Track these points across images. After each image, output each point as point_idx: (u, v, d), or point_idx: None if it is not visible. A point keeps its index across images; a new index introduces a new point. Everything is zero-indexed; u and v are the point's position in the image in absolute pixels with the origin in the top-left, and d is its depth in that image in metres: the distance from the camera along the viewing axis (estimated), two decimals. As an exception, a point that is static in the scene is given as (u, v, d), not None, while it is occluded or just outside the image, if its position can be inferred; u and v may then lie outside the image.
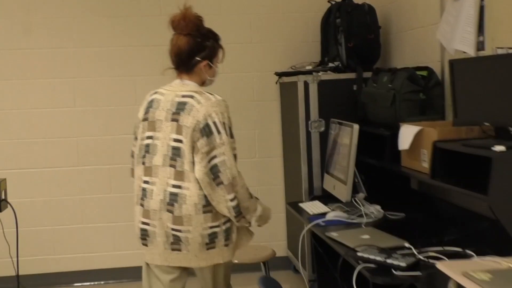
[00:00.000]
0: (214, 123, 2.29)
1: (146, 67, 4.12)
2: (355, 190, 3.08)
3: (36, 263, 4.15)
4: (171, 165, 2.33)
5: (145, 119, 2.41)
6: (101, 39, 4.11)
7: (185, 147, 2.30)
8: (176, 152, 2.32)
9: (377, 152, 3.20)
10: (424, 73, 3.07)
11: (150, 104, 2.43)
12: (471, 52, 2.80)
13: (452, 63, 2.45)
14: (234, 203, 2.30)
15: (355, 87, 3.57)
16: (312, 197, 3.51)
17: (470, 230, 2.56)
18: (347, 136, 3.05)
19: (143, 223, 2.38)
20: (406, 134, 2.73)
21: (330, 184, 3.29)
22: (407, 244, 2.34)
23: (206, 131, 2.28)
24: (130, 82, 4.15)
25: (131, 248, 4.17)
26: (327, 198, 3.35)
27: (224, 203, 2.30)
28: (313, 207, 3.18)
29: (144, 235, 2.39)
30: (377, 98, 3.19)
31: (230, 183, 2.29)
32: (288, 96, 3.86)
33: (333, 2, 3.84)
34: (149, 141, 2.38)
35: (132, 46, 4.12)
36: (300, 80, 3.52)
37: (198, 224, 2.31)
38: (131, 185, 4.13)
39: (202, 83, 2.46)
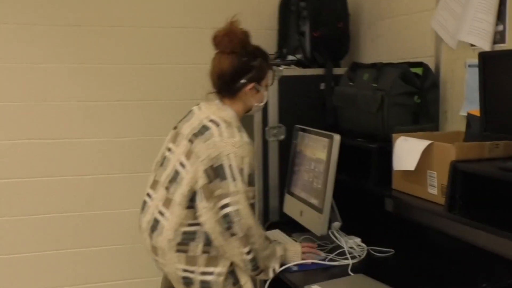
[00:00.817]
0: (230, 166, 1.99)
1: (55, 53, 3.24)
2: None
3: None
4: (166, 188, 2.12)
5: (175, 128, 2.26)
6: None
7: (186, 175, 2.05)
8: (175, 176, 2.09)
9: (352, 168, 2.54)
10: (419, 70, 2.43)
11: (186, 114, 2.27)
12: (484, 45, 2.19)
13: (484, 56, 1.81)
14: (250, 256, 2.02)
15: (322, 86, 2.89)
16: (268, 224, 2.80)
17: (498, 280, 1.93)
18: (322, 150, 2.36)
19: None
20: (409, 150, 2.08)
21: (295, 209, 2.59)
22: (426, 308, 1.69)
23: (219, 172, 1.99)
24: (30, 70, 3.22)
25: None
26: (288, 225, 2.66)
27: (239, 256, 2.02)
28: (275, 239, 2.48)
29: None
30: (358, 101, 2.53)
31: (245, 235, 2.00)
32: (238, 95, 3.13)
33: (294, -17, 3.15)
34: (167, 153, 2.20)
35: (38, 25, 3.21)
36: (257, 75, 2.79)
37: (171, 262, 2.07)
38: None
39: (247, 110, 2.22)
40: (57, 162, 3.28)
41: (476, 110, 2.07)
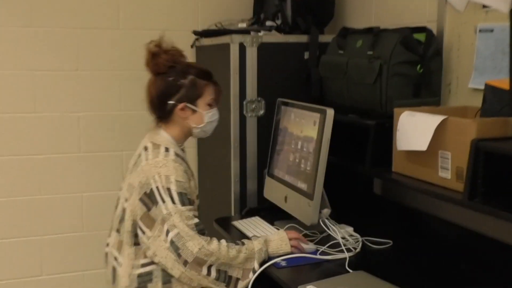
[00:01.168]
0: (157, 188, 1.82)
1: None
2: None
3: None
4: (117, 230, 1.95)
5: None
6: None
7: (128, 210, 1.88)
8: (123, 215, 1.91)
9: (341, 148, 2.24)
10: (421, 36, 2.14)
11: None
12: (503, 6, 1.89)
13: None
14: (213, 275, 1.79)
15: (306, 55, 2.57)
16: (246, 210, 2.49)
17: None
18: (312, 127, 2.06)
19: None
20: (418, 127, 1.78)
21: (278, 194, 2.29)
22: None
23: (153, 198, 1.82)
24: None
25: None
26: (269, 211, 2.37)
27: (203, 280, 1.80)
28: (255, 227, 2.18)
29: None
30: (350, 71, 2.22)
31: (196, 258, 1.77)
32: (212, 65, 2.78)
33: None
34: (120, 193, 2.01)
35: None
36: (234, 41, 2.45)
37: None
38: None
39: (189, 134, 2.00)
40: (4, 139, 2.89)
41: (494, 81, 1.79)
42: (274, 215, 2.29)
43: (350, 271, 1.76)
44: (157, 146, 1.91)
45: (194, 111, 1.95)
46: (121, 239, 1.91)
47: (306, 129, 2.10)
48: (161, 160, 1.85)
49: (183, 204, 1.80)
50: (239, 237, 2.11)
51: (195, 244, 1.76)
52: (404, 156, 1.91)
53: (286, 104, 2.32)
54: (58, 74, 2.93)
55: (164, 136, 1.96)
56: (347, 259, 1.84)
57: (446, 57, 2.19)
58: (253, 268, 1.83)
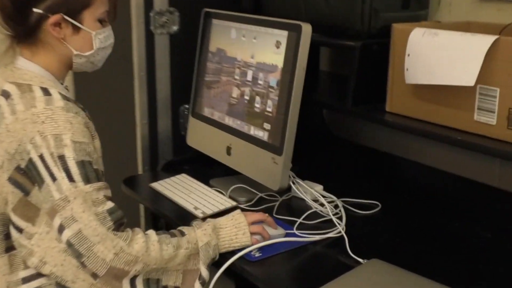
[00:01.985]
0: (41, 158, 1.12)
1: None
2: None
3: None
4: None
5: None
6: None
7: None
8: None
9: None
10: None
11: None
12: None
13: None
14: None
15: None
16: (164, 165, 1.83)
17: None
18: (274, 50, 1.43)
19: None
20: (449, 52, 1.24)
21: (214, 142, 1.66)
22: None
23: (33, 174, 1.13)
24: None
25: None
26: (194, 164, 1.76)
27: None
28: (190, 192, 1.55)
29: None
30: (313, -30, 1.61)
31: (111, 270, 1.10)
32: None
33: None
34: None
35: None
36: None
37: None
38: None
39: (68, 65, 1.24)
40: None
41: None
42: (206, 170, 1.69)
43: (359, 259, 1.22)
44: (26, 87, 1.18)
45: (76, 29, 1.22)
46: None
47: (261, 53, 1.48)
48: (41, 110, 1.14)
49: (87, 180, 1.12)
50: (168, 207, 1.49)
51: (108, 248, 1.10)
52: (408, 91, 1.38)
53: (219, 16, 1.66)
54: None
55: (32, 68, 1.22)
56: (346, 239, 1.30)
57: (435, -45, 1.66)
58: (200, 273, 1.20)
